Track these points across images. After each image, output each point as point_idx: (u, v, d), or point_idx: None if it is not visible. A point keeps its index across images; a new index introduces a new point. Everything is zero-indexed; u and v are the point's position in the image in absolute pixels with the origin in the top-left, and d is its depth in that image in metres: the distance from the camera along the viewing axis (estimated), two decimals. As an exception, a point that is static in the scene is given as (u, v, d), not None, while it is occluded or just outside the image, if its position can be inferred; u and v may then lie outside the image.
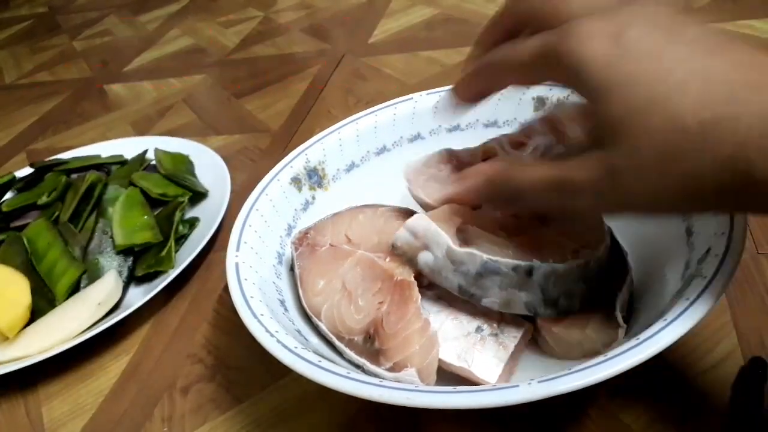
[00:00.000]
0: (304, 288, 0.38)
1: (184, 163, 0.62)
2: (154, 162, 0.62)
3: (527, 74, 0.28)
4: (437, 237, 0.32)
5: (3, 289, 0.47)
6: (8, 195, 0.64)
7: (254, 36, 1.00)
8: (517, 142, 0.37)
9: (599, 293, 0.33)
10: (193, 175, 0.61)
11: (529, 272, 0.31)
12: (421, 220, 0.34)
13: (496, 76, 0.30)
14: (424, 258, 0.33)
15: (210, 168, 0.60)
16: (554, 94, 0.44)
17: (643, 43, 0.23)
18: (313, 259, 0.39)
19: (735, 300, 0.37)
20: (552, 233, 0.34)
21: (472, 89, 0.32)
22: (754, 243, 0.41)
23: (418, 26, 0.88)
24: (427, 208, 0.37)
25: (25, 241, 0.53)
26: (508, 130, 0.45)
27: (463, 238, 0.33)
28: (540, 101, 0.45)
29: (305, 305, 0.37)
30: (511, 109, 0.47)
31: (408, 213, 0.39)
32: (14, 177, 0.65)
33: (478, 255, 0.31)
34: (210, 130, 0.74)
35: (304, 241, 0.40)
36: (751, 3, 0.70)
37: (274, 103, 0.77)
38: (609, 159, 0.24)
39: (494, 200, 0.33)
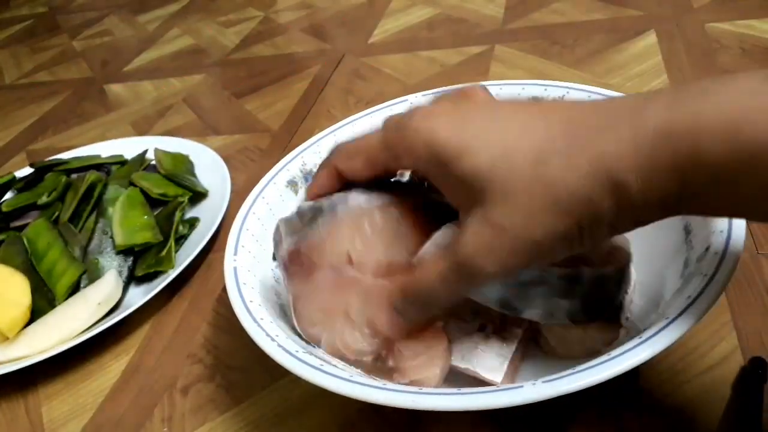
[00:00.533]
0: (300, 319, 0.33)
1: (184, 163, 0.62)
2: (154, 162, 0.62)
3: (375, 157, 0.30)
4: None
5: (3, 289, 0.47)
6: (8, 195, 0.64)
7: (254, 36, 1.00)
8: None
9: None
10: (193, 175, 0.61)
11: (577, 279, 0.30)
12: (452, 230, 0.29)
13: (344, 163, 0.32)
14: None
15: (210, 168, 0.60)
16: (549, 94, 0.44)
17: (475, 112, 0.27)
18: (310, 286, 0.32)
19: (735, 300, 0.37)
20: None
21: (319, 186, 0.34)
22: (754, 243, 0.41)
23: (418, 26, 0.88)
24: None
25: (25, 241, 0.53)
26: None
27: None
28: (536, 101, 0.45)
29: (301, 333, 0.33)
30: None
31: (425, 209, 0.32)
32: (14, 177, 0.64)
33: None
34: (210, 130, 0.74)
35: (296, 260, 0.33)
36: (751, 3, 0.70)
37: (274, 103, 0.77)
38: (490, 215, 0.25)
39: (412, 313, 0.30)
